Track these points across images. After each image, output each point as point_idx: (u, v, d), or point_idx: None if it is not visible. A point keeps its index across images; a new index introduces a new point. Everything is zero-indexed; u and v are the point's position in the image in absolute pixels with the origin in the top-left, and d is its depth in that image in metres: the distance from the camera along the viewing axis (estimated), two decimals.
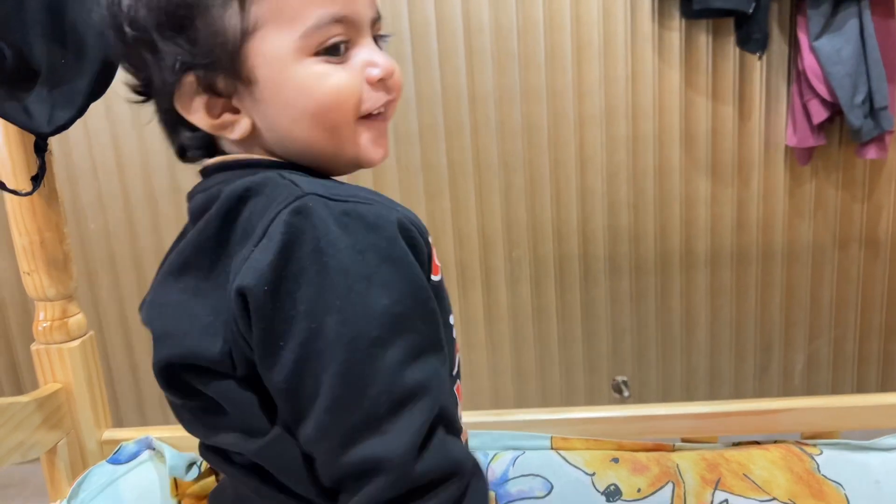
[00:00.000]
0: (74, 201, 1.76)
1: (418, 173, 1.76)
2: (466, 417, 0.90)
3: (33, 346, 0.91)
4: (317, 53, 0.54)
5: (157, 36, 0.53)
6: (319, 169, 0.58)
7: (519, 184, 1.77)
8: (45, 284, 0.87)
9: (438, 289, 0.57)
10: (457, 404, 0.60)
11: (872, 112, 1.59)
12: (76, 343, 0.91)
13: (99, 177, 1.74)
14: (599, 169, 1.76)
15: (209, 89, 0.55)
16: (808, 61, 1.60)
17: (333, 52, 0.54)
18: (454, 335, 0.62)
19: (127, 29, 0.54)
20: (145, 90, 0.59)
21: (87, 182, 1.75)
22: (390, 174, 1.75)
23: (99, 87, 0.76)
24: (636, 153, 1.75)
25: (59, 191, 0.88)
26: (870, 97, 1.58)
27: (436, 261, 0.57)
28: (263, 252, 0.48)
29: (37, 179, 0.81)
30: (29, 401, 0.84)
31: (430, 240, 0.56)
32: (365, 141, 0.57)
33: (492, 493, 0.86)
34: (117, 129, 1.71)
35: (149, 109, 0.60)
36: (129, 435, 0.94)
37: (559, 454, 0.86)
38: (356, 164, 0.59)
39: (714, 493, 0.83)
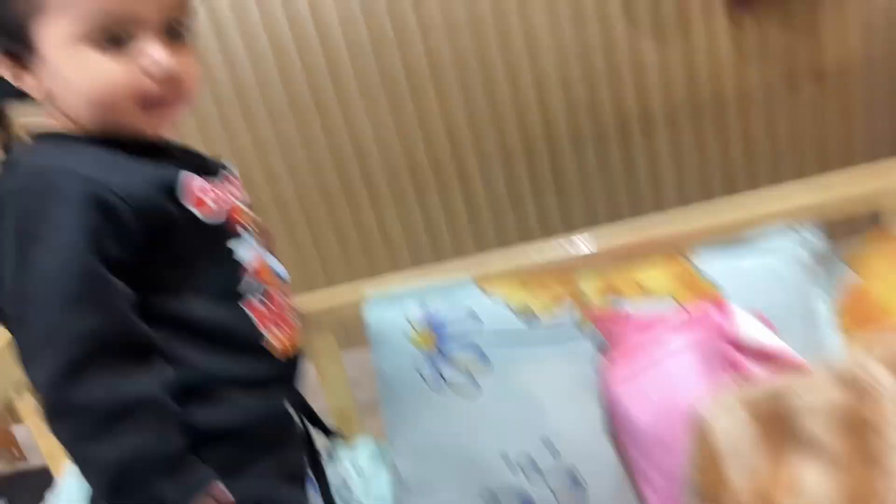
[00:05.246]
0: None
1: (378, 86, 1.84)
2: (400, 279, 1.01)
3: None
4: (92, 43, 0.60)
5: None
6: (117, 133, 0.65)
7: (475, 80, 1.84)
8: None
9: (205, 227, 0.66)
10: (244, 322, 0.70)
11: None
12: None
13: None
14: (549, 50, 1.82)
15: (8, 54, 0.63)
16: None
17: (110, 42, 0.60)
18: (240, 257, 0.70)
19: None
20: None
21: None
22: (351, 91, 1.84)
23: None
24: (582, 28, 1.80)
25: None
26: None
27: (198, 195, 0.65)
28: None
29: None
30: None
31: (183, 179, 0.64)
32: (141, 121, 0.64)
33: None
34: None
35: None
36: None
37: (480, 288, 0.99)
38: (140, 134, 0.66)
39: (609, 297, 0.95)
